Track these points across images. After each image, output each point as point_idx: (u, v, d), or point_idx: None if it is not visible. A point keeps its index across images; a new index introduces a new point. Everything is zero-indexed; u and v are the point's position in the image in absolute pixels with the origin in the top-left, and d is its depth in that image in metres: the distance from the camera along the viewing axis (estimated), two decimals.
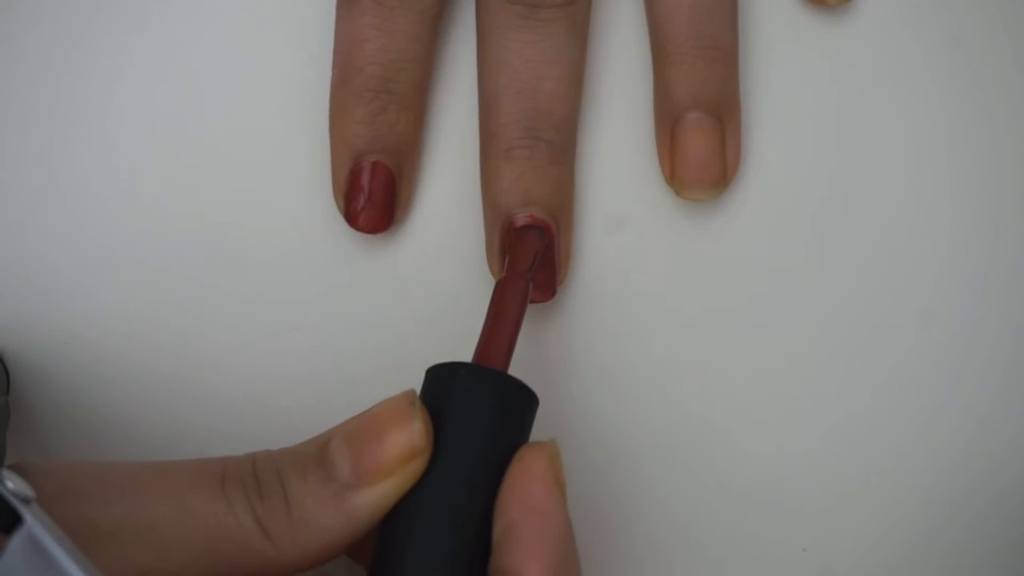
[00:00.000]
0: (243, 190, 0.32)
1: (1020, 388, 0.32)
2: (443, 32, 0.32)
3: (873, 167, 0.32)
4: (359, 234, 0.31)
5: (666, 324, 0.32)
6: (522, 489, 0.24)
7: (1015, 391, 0.32)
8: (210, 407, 0.32)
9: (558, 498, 0.24)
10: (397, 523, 0.24)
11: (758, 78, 0.32)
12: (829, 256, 0.32)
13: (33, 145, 0.32)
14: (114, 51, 0.32)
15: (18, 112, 0.32)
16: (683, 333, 0.32)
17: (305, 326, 0.31)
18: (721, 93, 0.30)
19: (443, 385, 0.25)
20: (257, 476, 0.24)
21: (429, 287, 0.32)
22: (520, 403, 0.25)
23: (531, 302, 0.29)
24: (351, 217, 0.30)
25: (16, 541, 0.20)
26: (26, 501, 0.21)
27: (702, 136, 0.30)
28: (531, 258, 0.29)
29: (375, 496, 0.24)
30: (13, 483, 0.21)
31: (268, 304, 0.32)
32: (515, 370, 0.26)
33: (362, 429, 0.25)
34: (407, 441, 0.24)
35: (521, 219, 0.30)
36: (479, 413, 0.25)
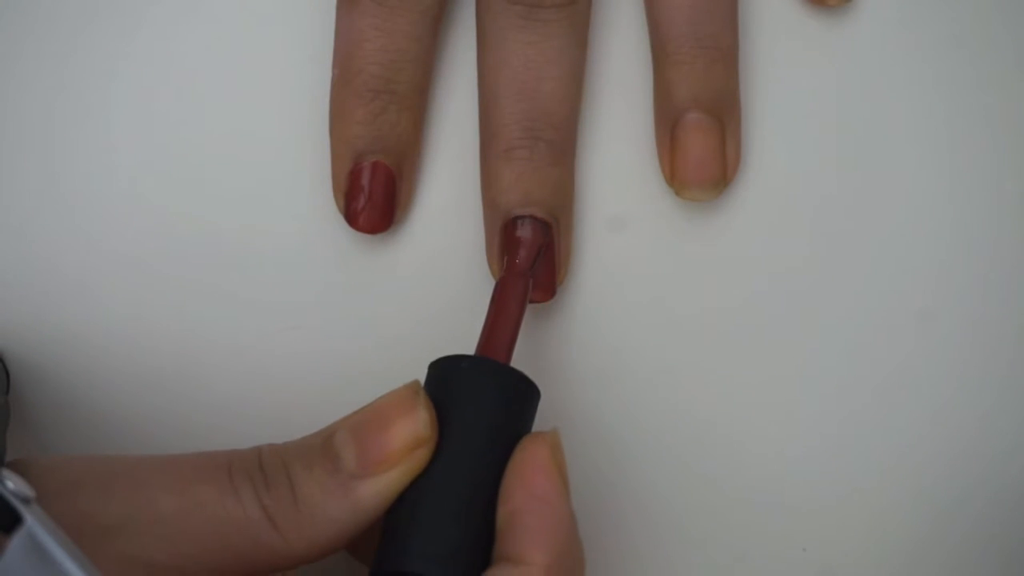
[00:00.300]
0: (243, 190, 0.32)
1: (1020, 388, 0.32)
2: (443, 32, 0.32)
3: (873, 167, 0.32)
4: (359, 234, 0.31)
5: (666, 324, 0.32)
6: (525, 478, 0.24)
7: (1015, 391, 0.32)
8: (211, 407, 0.31)
9: (560, 486, 0.24)
10: (401, 512, 0.25)
11: (758, 78, 0.32)
12: (829, 256, 0.32)
13: (33, 145, 0.32)
14: (114, 51, 0.32)
15: (18, 112, 0.32)
16: (683, 333, 0.32)
17: (305, 326, 0.31)
18: (721, 93, 0.30)
19: (446, 377, 0.26)
20: (263, 468, 0.24)
21: (429, 287, 0.32)
22: (522, 394, 0.26)
23: (531, 302, 0.29)
24: (351, 217, 0.30)
25: (16, 541, 0.20)
26: (26, 501, 0.21)
27: (702, 136, 0.30)
28: (532, 256, 0.29)
29: (381, 486, 0.24)
30: (13, 483, 0.21)
31: (268, 304, 0.32)
32: (516, 368, 0.26)
33: (367, 420, 0.25)
34: (412, 430, 0.24)
35: (527, 222, 0.30)
36: (482, 403, 0.25)
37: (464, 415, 0.25)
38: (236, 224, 0.32)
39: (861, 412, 0.32)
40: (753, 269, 0.32)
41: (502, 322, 0.27)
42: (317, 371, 0.32)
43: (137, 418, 0.32)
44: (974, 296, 0.32)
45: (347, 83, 0.30)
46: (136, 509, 0.23)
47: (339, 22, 0.31)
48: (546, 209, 0.30)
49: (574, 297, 0.31)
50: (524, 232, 0.30)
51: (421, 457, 0.24)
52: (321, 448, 0.25)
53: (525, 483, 0.24)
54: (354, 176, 0.30)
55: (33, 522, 0.20)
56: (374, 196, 0.30)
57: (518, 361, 0.27)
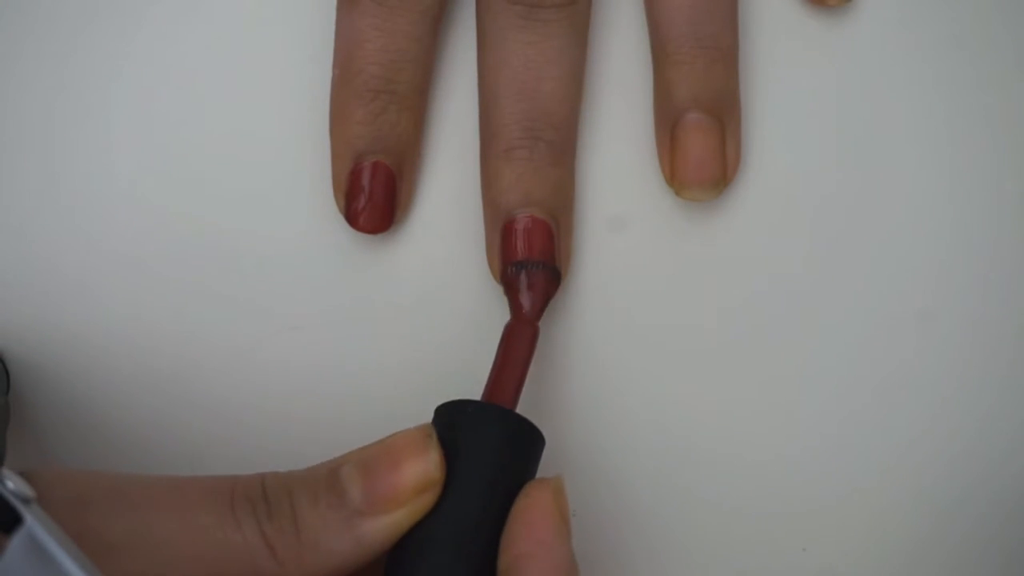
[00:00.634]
0: (244, 190, 0.32)
1: (1020, 388, 0.32)
2: (443, 32, 0.32)
3: (873, 167, 0.32)
4: (360, 234, 0.31)
5: (666, 323, 0.32)
6: (529, 524, 0.24)
7: (1015, 391, 0.32)
8: (210, 407, 0.31)
9: (563, 533, 0.25)
10: (405, 552, 0.25)
11: (759, 78, 0.32)
12: (829, 256, 0.32)
13: (33, 145, 0.32)
14: (114, 51, 0.32)
15: (18, 112, 0.32)
16: (683, 333, 0.32)
17: (306, 326, 0.31)
18: (721, 93, 0.30)
19: (452, 421, 0.26)
20: (267, 495, 0.24)
21: (430, 288, 0.32)
22: (527, 441, 0.26)
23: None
24: (351, 217, 0.30)
25: (16, 541, 0.20)
26: (26, 501, 0.21)
27: (702, 136, 0.30)
28: (541, 302, 0.29)
29: (386, 524, 0.24)
30: (13, 483, 0.21)
31: (269, 304, 0.32)
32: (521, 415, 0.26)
33: (376, 457, 0.25)
34: (422, 472, 0.24)
35: (521, 220, 0.30)
36: (488, 448, 0.25)
37: (470, 459, 0.25)
38: (236, 224, 0.32)
39: (861, 412, 0.32)
40: (753, 269, 0.32)
41: (510, 368, 0.27)
42: (317, 371, 0.32)
43: (137, 418, 0.32)
44: (974, 296, 0.32)
45: (347, 83, 0.30)
46: (139, 529, 0.23)
47: (339, 22, 0.31)
48: (546, 209, 0.30)
49: (574, 297, 0.31)
50: (534, 274, 0.29)
51: (428, 500, 0.24)
52: (327, 480, 0.24)
53: (528, 529, 0.24)
54: (354, 176, 0.30)
55: (33, 522, 0.20)
56: (374, 196, 0.30)
57: None
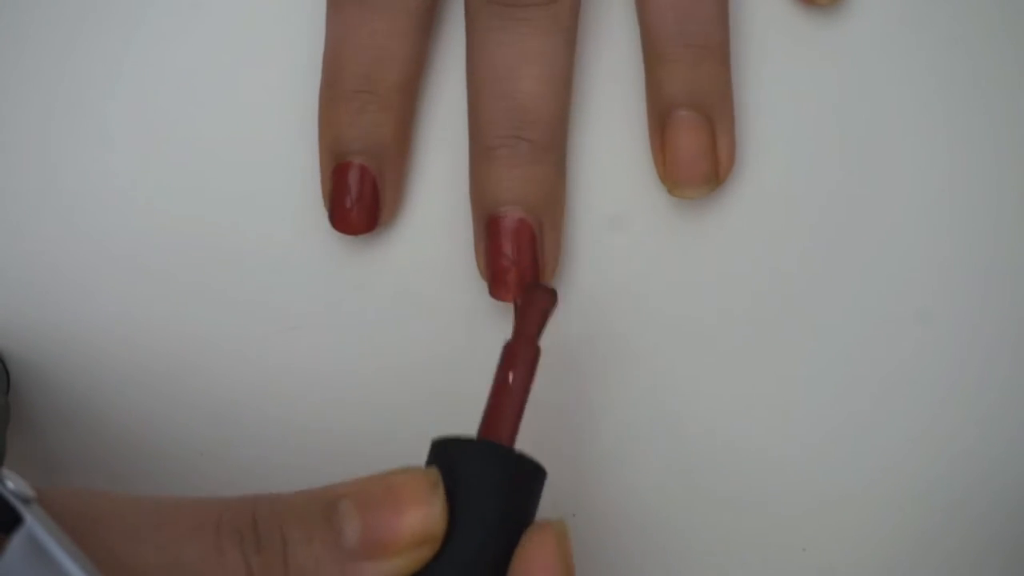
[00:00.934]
0: (241, 191, 0.32)
1: (1020, 388, 0.32)
2: (437, 32, 0.32)
3: (872, 166, 0.32)
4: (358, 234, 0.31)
5: (665, 323, 0.32)
6: (531, 572, 0.24)
7: (1015, 391, 0.32)
8: (209, 406, 0.32)
9: None
10: None
11: (757, 77, 0.32)
12: (829, 256, 0.32)
13: (32, 145, 0.32)
14: (114, 51, 0.32)
15: (17, 112, 0.32)
16: (682, 333, 0.32)
17: (304, 326, 0.31)
18: (710, 90, 0.30)
19: (450, 460, 0.25)
20: (257, 528, 0.23)
21: (426, 286, 0.32)
22: (528, 479, 0.25)
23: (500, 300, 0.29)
24: (331, 218, 0.30)
25: (16, 541, 0.20)
26: (26, 501, 0.21)
27: (690, 134, 0.30)
28: (540, 320, 0.27)
29: (380, 571, 0.23)
30: (13, 483, 0.21)
31: (267, 304, 0.32)
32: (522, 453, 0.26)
33: (376, 497, 0.23)
34: (424, 523, 0.23)
35: (503, 218, 0.30)
36: (490, 492, 0.24)
37: (469, 503, 0.24)
38: (235, 224, 0.32)
39: (861, 412, 0.32)
40: (753, 269, 0.32)
41: (508, 396, 0.26)
42: (316, 371, 0.32)
43: (136, 418, 0.32)
44: (974, 296, 0.32)
45: (330, 84, 0.30)
46: (120, 555, 0.22)
47: (327, 23, 0.31)
48: (529, 207, 0.30)
49: (573, 297, 0.31)
50: (533, 292, 0.28)
51: (425, 554, 0.23)
52: (322, 515, 0.23)
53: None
54: (336, 177, 0.30)
55: (33, 522, 0.20)
56: (355, 197, 0.30)
57: None
